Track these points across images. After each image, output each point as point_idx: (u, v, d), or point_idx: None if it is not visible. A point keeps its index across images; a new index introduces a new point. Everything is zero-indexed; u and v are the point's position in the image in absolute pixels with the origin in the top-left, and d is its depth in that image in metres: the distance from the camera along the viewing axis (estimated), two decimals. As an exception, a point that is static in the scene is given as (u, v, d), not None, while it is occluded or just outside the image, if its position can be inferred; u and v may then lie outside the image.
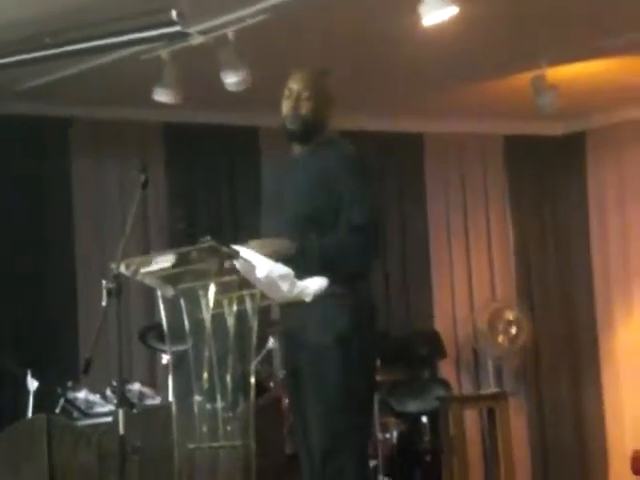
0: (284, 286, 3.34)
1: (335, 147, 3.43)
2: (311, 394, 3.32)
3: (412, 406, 6.54)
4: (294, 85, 3.43)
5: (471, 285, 7.56)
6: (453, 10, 4.38)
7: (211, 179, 6.90)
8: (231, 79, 5.25)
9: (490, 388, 7.20)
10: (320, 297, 3.30)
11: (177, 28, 4.45)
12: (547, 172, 7.76)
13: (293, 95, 3.41)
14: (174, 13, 4.38)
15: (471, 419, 7.12)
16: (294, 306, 3.38)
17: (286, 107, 3.43)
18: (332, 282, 3.29)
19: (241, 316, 4.66)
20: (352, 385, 3.27)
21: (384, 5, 4.86)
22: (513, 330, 7.27)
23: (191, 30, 4.84)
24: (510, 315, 7.31)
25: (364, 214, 3.31)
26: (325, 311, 3.31)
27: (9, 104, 6.03)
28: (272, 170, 3.67)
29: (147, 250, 6.26)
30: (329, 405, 3.26)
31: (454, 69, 6.08)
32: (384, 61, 5.84)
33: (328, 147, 3.42)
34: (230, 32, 4.97)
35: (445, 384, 6.90)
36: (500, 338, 7.26)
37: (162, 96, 5.41)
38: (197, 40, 4.97)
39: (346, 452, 3.22)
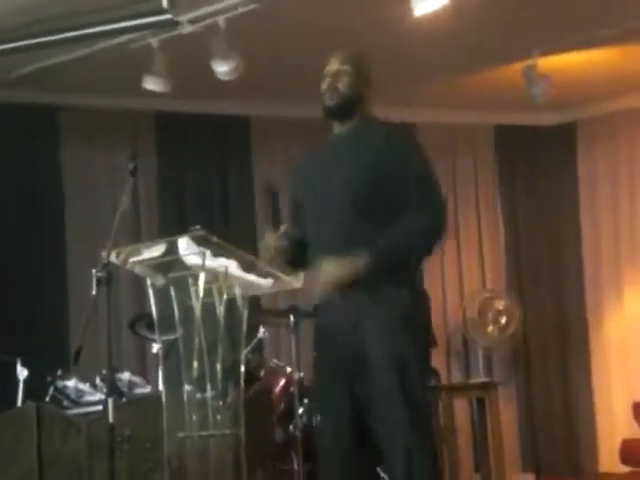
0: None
1: (380, 124, 3.36)
2: (382, 409, 3.13)
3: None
4: (332, 65, 3.36)
5: (461, 274, 7.57)
6: (443, 0, 4.38)
7: (202, 168, 6.89)
8: (222, 68, 5.23)
9: (480, 377, 7.22)
10: (381, 305, 3.17)
11: (167, 16, 4.44)
12: (538, 162, 7.77)
13: (330, 72, 3.34)
14: (165, 1, 4.36)
15: (461, 408, 7.14)
16: (344, 308, 3.21)
17: (324, 84, 3.34)
18: (392, 284, 3.18)
19: (231, 305, 4.67)
20: (423, 391, 3.20)
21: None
22: (503, 320, 7.29)
23: (181, 18, 4.83)
24: (500, 304, 7.32)
25: (435, 194, 3.26)
26: (389, 325, 3.15)
27: (-2, 91, 6.01)
28: (308, 156, 3.48)
29: (138, 239, 6.26)
30: (407, 417, 3.11)
31: (445, 59, 6.07)
32: (375, 51, 5.75)
33: (373, 124, 3.34)
34: (221, 20, 4.95)
35: (435, 373, 6.91)
36: (490, 328, 7.27)
37: (152, 84, 5.39)
38: (187, 29, 4.96)
39: (427, 450, 3.14)
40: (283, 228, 3.33)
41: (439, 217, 3.24)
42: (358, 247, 3.13)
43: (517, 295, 7.52)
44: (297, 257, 3.39)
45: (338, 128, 3.36)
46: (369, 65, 3.41)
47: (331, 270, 3.15)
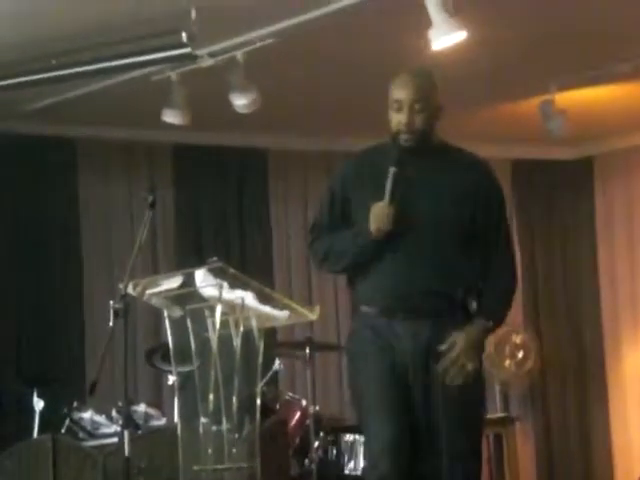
0: None
1: (458, 152, 3.28)
2: (448, 426, 3.08)
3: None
4: (403, 95, 3.15)
5: (478, 309, 7.54)
6: (462, 35, 4.39)
7: (219, 200, 6.91)
8: (240, 101, 5.26)
9: (497, 413, 7.16)
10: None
11: (187, 50, 4.47)
12: (555, 196, 7.75)
13: (404, 107, 3.14)
14: (184, 35, 4.40)
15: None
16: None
17: (398, 122, 3.15)
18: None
19: (247, 337, 4.67)
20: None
21: (393, 29, 4.87)
22: (520, 354, 7.25)
23: (201, 52, 4.86)
24: (517, 339, 7.28)
25: (509, 235, 3.28)
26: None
27: (18, 124, 6.06)
28: (367, 162, 3.32)
29: (155, 271, 6.28)
30: (472, 432, 3.18)
31: (462, 93, 6.07)
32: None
33: (449, 151, 3.26)
34: (239, 54, 4.99)
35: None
36: (507, 362, 7.23)
37: (171, 117, 5.42)
38: (207, 62, 4.99)
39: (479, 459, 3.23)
40: (398, 198, 3.13)
41: (515, 262, 3.33)
42: (452, 279, 3.13)
43: (534, 329, 7.48)
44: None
45: (419, 160, 3.20)
46: (437, 87, 3.24)
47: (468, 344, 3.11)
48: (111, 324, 3.45)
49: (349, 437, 5.29)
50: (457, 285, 3.15)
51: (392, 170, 3.11)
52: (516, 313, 7.61)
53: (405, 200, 3.13)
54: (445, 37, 4.38)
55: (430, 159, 3.19)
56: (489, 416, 7.15)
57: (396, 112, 3.15)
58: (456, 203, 3.13)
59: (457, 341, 3.09)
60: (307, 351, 5.42)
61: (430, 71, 3.27)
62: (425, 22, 4.33)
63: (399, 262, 3.13)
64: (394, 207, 3.09)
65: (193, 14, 4.38)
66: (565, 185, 7.69)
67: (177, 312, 4.53)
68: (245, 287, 4.53)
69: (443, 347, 3.08)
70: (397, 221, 3.10)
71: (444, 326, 3.12)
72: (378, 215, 3.10)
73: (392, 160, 3.14)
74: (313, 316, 4.95)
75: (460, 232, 3.13)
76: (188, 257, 6.45)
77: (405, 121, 3.12)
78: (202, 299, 4.48)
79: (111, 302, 3.58)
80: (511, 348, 7.24)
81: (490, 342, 7.26)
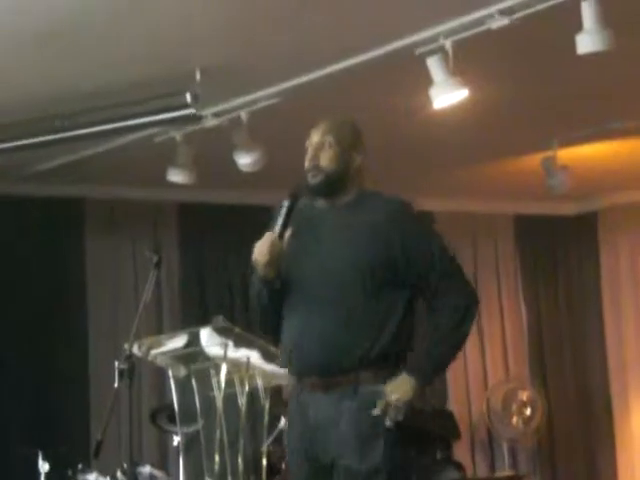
0: None
1: (382, 199, 3.01)
2: None
3: (426, 488, 6.45)
4: (313, 137, 3.01)
5: (484, 363, 7.51)
6: (464, 93, 4.43)
7: (224, 258, 6.91)
8: (244, 160, 5.29)
9: (505, 470, 7.09)
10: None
11: (191, 111, 4.51)
12: (559, 251, 7.76)
13: (312, 146, 3.00)
14: (188, 96, 4.44)
15: (486, 502, 7.01)
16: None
17: (306, 162, 2.99)
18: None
19: (253, 395, 4.64)
20: None
21: (394, 87, 4.92)
22: (527, 411, 7.19)
23: (205, 112, 4.91)
24: (524, 395, 7.24)
25: (459, 271, 2.97)
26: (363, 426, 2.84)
27: (23, 185, 6.11)
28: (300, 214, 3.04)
29: (160, 330, 6.26)
30: None
31: (464, 149, 6.13)
32: (395, 140, 5.89)
33: (373, 199, 2.99)
34: (243, 114, 5.03)
35: (459, 466, 6.80)
36: (514, 419, 7.18)
37: (176, 177, 5.45)
38: (211, 122, 5.03)
39: None
40: (289, 233, 2.91)
41: (469, 296, 2.99)
42: (361, 328, 2.83)
43: (541, 384, 7.44)
44: (277, 308, 2.98)
45: (323, 204, 3.00)
46: (358, 131, 3.05)
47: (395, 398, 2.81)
48: (116, 385, 3.43)
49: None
50: (368, 339, 2.83)
51: (285, 203, 2.93)
52: (522, 369, 7.58)
53: (305, 245, 2.93)
54: (446, 96, 4.42)
55: (341, 203, 2.97)
56: (498, 474, 7.09)
57: (306, 155, 3.01)
58: (365, 249, 2.88)
59: (386, 395, 2.80)
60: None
61: (347, 121, 3.08)
62: (427, 80, 4.38)
63: (299, 318, 2.90)
64: (280, 242, 2.88)
65: (197, 75, 4.43)
66: (569, 241, 7.70)
67: (182, 371, 4.52)
68: (250, 346, 4.52)
69: (375, 412, 2.81)
70: (292, 266, 2.90)
71: (356, 391, 2.83)
72: (257, 247, 2.92)
73: (290, 193, 2.96)
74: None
75: (371, 280, 2.85)
76: (193, 315, 6.45)
77: (309, 156, 2.98)
78: (207, 358, 4.48)
79: (116, 363, 3.57)
80: (518, 405, 7.19)
81: (497, 399, 7.21)
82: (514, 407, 7.18)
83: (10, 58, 4.23)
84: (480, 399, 7.36)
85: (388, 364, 2.85)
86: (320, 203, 3.00)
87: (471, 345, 7.47)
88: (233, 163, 5.29)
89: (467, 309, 2.98)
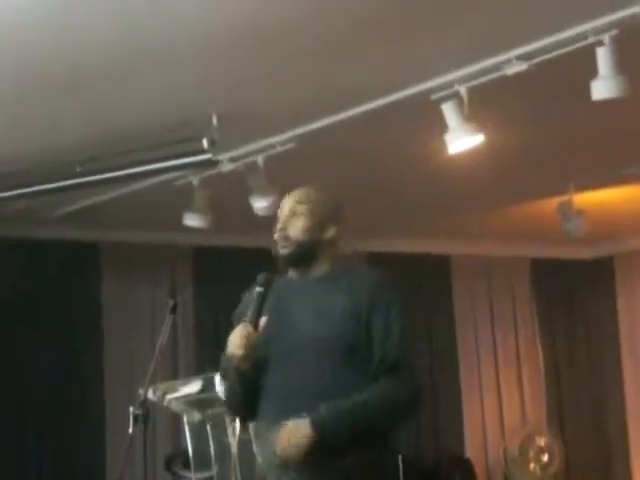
0: None
1: (356, 270, 2.93)
2: None
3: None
4: (285, 206, 2.89)
5: (501, 409, 7.45)
6: (479, 138, 4.44)
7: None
8: (260, 204, 5.30)
9: (523, 517, 7.01)
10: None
11: (208, 156, 4.53)
12: (576, 295, 7.73)
13: (282, 215, 2.87)
14: (205, 142, 4.46)
15: None
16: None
17: (275, 231, 2.87)
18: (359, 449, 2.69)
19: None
20: None
21: (409, 132, 4.94)
22: (545, 457, 7.12)
23: (221, 157, 4.93)
24: (541, 441, 7.17)
25: (401, 352, 2.80)
26: None
27: (43, 229, 6.14)
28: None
29: (175, 374, 6.25)
30: None
31: (480, 193, 6.13)
32: (411, 184, 5.91)
33: (345, 272, 2.88)
34: (259, 159, 5.05)
35: (475, 512, 6.74)
36: (531, 465, 7.11)
37: (192, 221, 5.46)
38: (227, 167, 5.05)
39: None
40: (264, 322, 2.79)
41: (411, 391, 2.81)
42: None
43: (558, 429, 7.37)
44: (252, 394, 2.84)
45: (295, 275, 2.89)
46: (334, 202, 2.94)
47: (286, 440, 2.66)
48: (130, 430, 3.41)
49: None
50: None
51: (257, 290, 2.82)
52: (539, 414, 7.51)
53: (280, 321, 2.81)
54: (461, 141, 4.43)
55: (314, 276, 2.85)
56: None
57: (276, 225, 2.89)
58: (340, 324, 2.75)
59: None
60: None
61: (321, 191, 2.94)
62: (443, 125, 4.39)
63: (277, 395, 2.77)
64: (256, 331, 2.76)
65: (214, 121, 4.46)
66: (586, 284, 7.67)
67: (197, 417, 4.50)
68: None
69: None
70: (267, 344, 2.77)
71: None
72: (232, 340, 2.78)
73: (262, 280, 2.83)
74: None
75: (338, 359, 2.73)
76: (208, 359, 6.42)
77: (279, 225, 2.85)
78: (222, 404, 4.45)
79: (131, 408, 3.55)
80: (535, 451, 7.12)
81: (514, 445, 7.14)
82: (531, 453, 7.12)
83: (30, 105, 4.27)
84: (497, 445, 7.30)
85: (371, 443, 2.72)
86: (292, 275, 2.89)
87: (488, 390, 7.42)
88: (248, 206, 5.31)
89: (406, 404, 2.82)
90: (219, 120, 4.47)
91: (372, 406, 2.72)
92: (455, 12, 3.60)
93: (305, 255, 2.85)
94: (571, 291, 7.73)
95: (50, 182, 4.86)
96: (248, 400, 2.84)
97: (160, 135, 4.54)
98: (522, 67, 3.96)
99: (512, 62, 3.98)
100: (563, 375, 7.66)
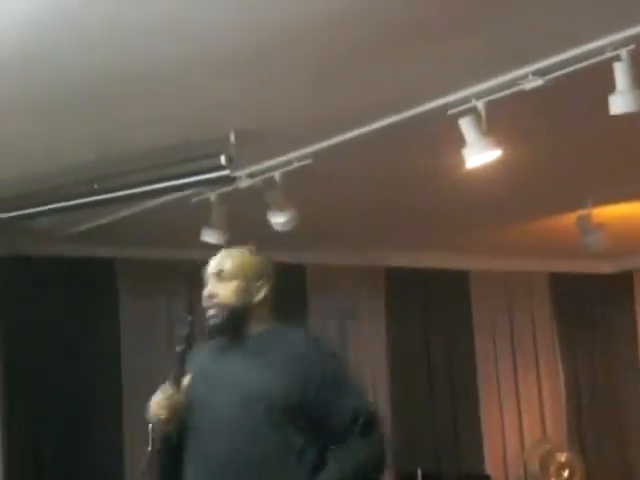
0: None
1: (291, 334, 2.79)
2: None
3: None
4: (211, 267, 2.77)
5: (521, 425, 7.41)
6: (496, 153, 4.42)
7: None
8: (278, 219, 5.30)
9: (543, 534, 6.96)
10: None
11: (226, 172, 4.54)
12: (596, 309, 7.69)
13: (210, 278, 2.77)
14: (223, 158, 4.48)
15: None
16: None
17: (204, 296, 2.76)
18: None
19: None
20: None
21: (426, 147, 4.94)
22: (565, 473, 7.07)
23: (239, 173, 4.94)
24: (562, 457, 7.12)
25: (369, 422, 2.65)
26: None
27: (60, 246, 6.17)
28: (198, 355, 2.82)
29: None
30: None
31: (498, 208, 6.12)
32: (427, 199, 5.90)
33: (280, 334, 2.77)
34: (277, 174, 5.06)
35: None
36: (553, 482, 7.07)
37: (210, 237, 5.47)
38: (245, 183, 5.06)
39: None
40: (188, 380, 2.68)
41: (379, 457, 2.69)
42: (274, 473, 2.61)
43: (578, 446, 7.31)
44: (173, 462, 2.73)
45: (231, 339, 2.78)
46: (263, 259, 2.86)
47: None
48: (149, 449, 3.40)
49: None
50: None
51: (177, 349, 2.71)
52: (559, 430, 7.46)
53: (203, 383, 2.69)
54: (479, 156, 4.42)
55: (248, 338, 2.74)
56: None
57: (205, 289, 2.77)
58: (275, 387, 2.64)
59: None
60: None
61: (249, 252, 2.87)
62: (460, 139, 4.39)
63: (207, 463, 2.66)
64: (178, 392, 2.66)
65: (232, 137, 4.47)
66: (605, 299, 7.63)
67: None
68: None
69: None
70: (195, 411, 2.66)
71: None
72: (153, 402, 2.72)
73: (181, 338, 2.71)
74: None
75: (274, 429, 2.60)
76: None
77: (207, 291, 2.75)
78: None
79: (150, 426, 3.54)
80: (556, 467, 7.07)
81: (534, 461, 7.09)
82: (552, 469, 7.07)
83: (47, 125, 4.29)
84: (517, 461, 7.25)
85: None
86: (224, 339, 2.77)
87: (507, 406, 7.38)
88: (267, 222, 5.31)
89: (375, 469, 2.69)
90: (236, 137, 4.48)
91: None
92: (471, 27, 3.60)
93: (237, 322, 2.73)
94: (591, 305, 7.69)
95: (68, 200, 4.89)
96: (172, 466, 2.72)
97: (178, 152, 4.55)
98: (538, 82, 3.95)
99: (528, 77, 3.98)
100: (583, 390, 7.60)
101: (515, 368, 7.52)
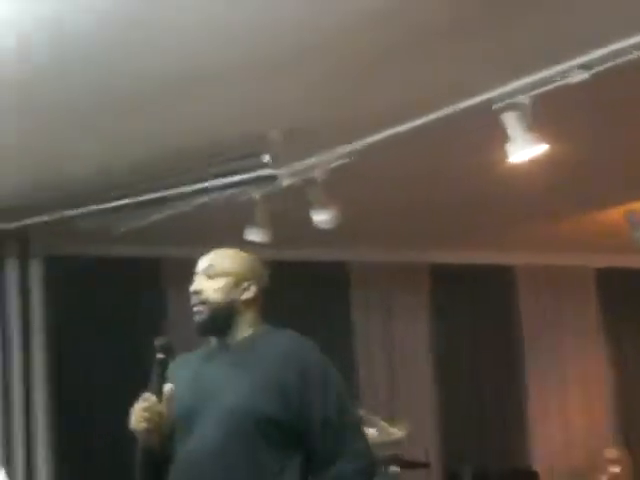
0: None
1: (276, 337, 2.68)
2: None
3: None
4: (200, 266, 2.74)
5: (568, 421, 7.35)
6: (542, 148, 4.38)
7: (302, 315, 6.90)
8: (320, 217, 5.30)
9: (593, 532, 6.89)
10: None
11: (270, 171, 4.55)
12: (643, 305, 7.60)
13: (197, 276, 2.73)
14: (267, 157, 4.48)
15: None
16: None
17: (190, 294, 2.72)
18: None
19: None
20: None
21: (471, 142, 4.90)
22: (613, 469, 6.99)
23: (282, 172, 4.94)
24: (609, 453, 7.04)
25: (355, 434, 2.55)
26: None
27: (107, 247, 6.22)
28: (182, 361, 2.78)
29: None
30: None
31: (543, 203, 6.06)
32: (471, 195, 5.86)
33: (266, 337, 2.66)
34: (319, 172, 5.05)
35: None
36: (601, 478, 6.98)
37: (254, 236, 5.48)
38: (287, 181, 5.06)
39: None
40: (169, 389, 2.57)
41: (363, 460, 2.55)
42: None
43: (625, 442, 7.24)
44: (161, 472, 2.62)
45: (219, 341, 2.71)
46: (252, 259, 2.77)
47: None
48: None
49: None
50: None
51: (157, 357, 2.65)
52: (607, 426, 7.38)
53: (189, 392, 2.61)
54: (523, 151, 4.37)
55: (234, 342, 2.66)
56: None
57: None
58: (258, 397, 2.52)
59: None
60: (393, 468, 5.31)
61: (238, 252, 2.79)
62: (505, 134, 4.34)
63: (179, 471, 2.57)
64: (159, 402, 2.56)
65: (275, 136, 4.47)
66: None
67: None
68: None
69: None
70: (181, 419, 2.57)
71: None
72: (133, 414, 2.61)
73: (160, 345, 2.66)
74: (401, 433, 4.86)
75: (251, 433, 2.50)
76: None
77: (193, 289, 2.70)
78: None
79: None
80: (604, 463, 7.00)
81: (582, 457, 7.02)
82: (599, 465, 6.99)
83: (93, 125, 4.32)
84: (564, 457, 7.19)
85: None
86: (213, 341, 2.72)
87: (554, 402, 7.32)
88: (309, 220, 5.31)
89: (368, 474, 2.57)
90: (279, 135, 4.48)
91: None
92: (515, 22, 3.56)
93: (222, 320, 2.66)
94: (638, 301, 7.60)
95: (113, 201, 4.92)
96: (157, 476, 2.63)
97: (221, 152, 4.56)
98: (584, 76, 3.90)
99: (574, 71, 3.93)
100: (631, 386, 7.52)
101: (562, 364, 7.45)
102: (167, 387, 2.58)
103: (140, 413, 2.57)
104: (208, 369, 2.67)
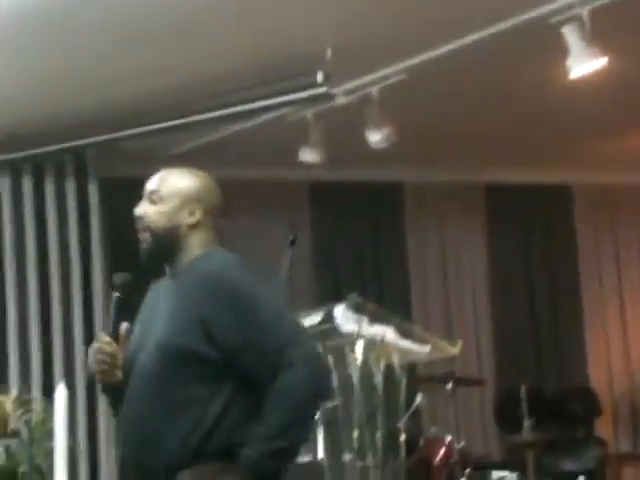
0: None
1: (202, 265, 2.49)
2: None
3: (568, 466, 6.33)
4: (146, 188, 2.55)
5: (626, 337, 7.31)
6: (602, 61, 4.29)
7: (355, 236, 6.93)
8: (375, 137, 5.27)
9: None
10: None
11: (323, 89, 4.52)
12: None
13: (143, 199, 2.55)
14: (320, 75, 4.45)
15: (630, 478, 6.84)
16: None
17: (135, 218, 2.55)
18: None
19: (389, 372, 4.65)
20: None
21: (529, 58, 4.82)
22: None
23: (336, 90, 4.91)
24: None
25: (292, 347, 2.39)
26: None
27: (158, 168, 6.23)
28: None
29: (293, 308, 6.30)
30: None
31: (602, 119, 5.95)
32: (528, 113, 5.78)
33: (189, 274, 2.49)
34: (374, 91, 5.01)
35: (602, 442, 6.65)
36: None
37: (308, 156, 5.48)
38: (342, 100, 5.03)
39: None
40: (124, 328, 2.48)
41: (305, 367, 2.39)
42: (172, 425, 2.39)
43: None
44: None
45: (169, 269, 2.56)
46: (198, 181, 2.54)
47: None
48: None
49: (496, 474, 5.18)
50: (180, 439, 2.38)
51: (114, 296, 2.53)
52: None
53: (135, 341, 2.52)
54: (584, 65, 4.29)
55: (175, 272, 2.52)
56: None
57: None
58: (174, 330, 2.42)
59: None
60: (450, 386, 5.34)
61: (186, 172, 2.56)
62: (564, 49, 4.25)
63: (123, 415, 2.51)
64: (114, 342, 2.46)
65: (329, 54, 4.43)
66: None
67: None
68: (385, 322, 4.52)
69: None
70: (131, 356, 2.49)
71: None
72: (91, 353, 2.49)
73: (118, 283, 2.53)
74: (455, 350, 4.89)
75: (185, 372, 2.41)
76: (326, 294, 6.47)
77: (135, 214, 2.52)
78: (341, 335, 4.50)
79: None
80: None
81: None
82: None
83: (145, 48, 4.33)
84: (623, 373, 7.18)
85: (209, 463, 2.37)
86: (167, 271, 2.57)
87: (612, 319, 7.29)
88: (363, 140, 5.28)
89: (308, 395, 2.40)
90: (333, 53, 4.44)
91: (284, 425, 2.35)
92: None
93: (166, 246, 2.50)
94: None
95: (166, 121, 4.94)
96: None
97: (275, 70, 4.54)
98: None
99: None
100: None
101: (620, 282, 7.38)
102: (122, 326, 2.49)
103: (93, 355, 2.48)
104: (157, 300, 2.57)
